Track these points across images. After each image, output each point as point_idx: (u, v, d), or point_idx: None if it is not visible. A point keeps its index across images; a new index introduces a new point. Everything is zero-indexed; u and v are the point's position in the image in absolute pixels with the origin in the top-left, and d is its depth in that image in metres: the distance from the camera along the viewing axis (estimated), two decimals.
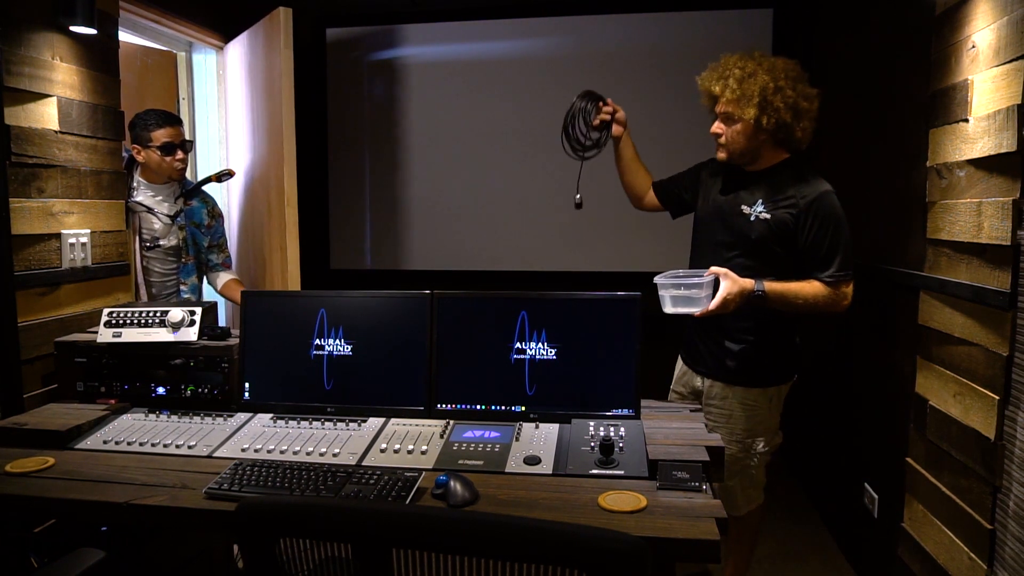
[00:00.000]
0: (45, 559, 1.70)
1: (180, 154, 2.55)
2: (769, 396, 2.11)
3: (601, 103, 2.30)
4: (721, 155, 2.08)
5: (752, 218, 2.02)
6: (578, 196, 2.37)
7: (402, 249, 3.95)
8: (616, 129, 2.31)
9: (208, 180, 2.70)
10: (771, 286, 1.91)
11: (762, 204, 2.02)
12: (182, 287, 2.70)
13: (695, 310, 1.88)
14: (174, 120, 2.57)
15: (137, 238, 2.56)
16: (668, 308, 1.91)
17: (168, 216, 2.60)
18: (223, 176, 2.73)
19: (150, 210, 2.57)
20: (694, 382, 2.24)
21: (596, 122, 2.29)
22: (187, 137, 2.64)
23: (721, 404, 2.13)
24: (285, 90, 2.77)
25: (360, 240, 4.00)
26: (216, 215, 2.78)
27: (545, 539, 0.93)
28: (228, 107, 3.33)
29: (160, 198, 2.59)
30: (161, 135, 2.50)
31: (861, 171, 2.69)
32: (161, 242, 2.62)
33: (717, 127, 2.05)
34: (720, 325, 2.10)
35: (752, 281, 1.89)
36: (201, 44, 3.22)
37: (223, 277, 2.81)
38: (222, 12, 3.27)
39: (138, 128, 2.51)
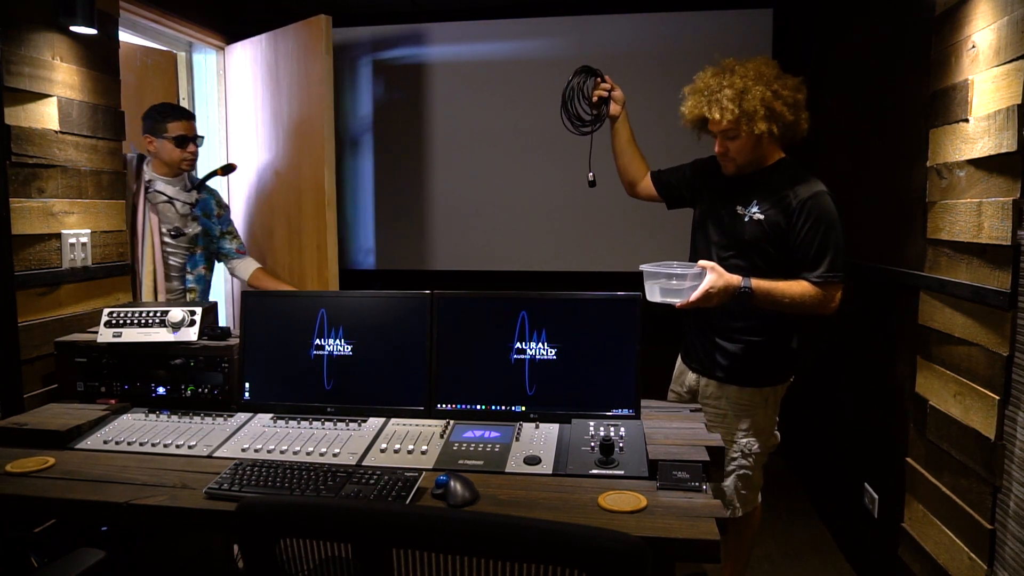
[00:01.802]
0: (45, 559, 1.70)
1: (192, 147, 2.62)
2: (764, 396, 2.11)
3: (598, 79, 2.30)
4: (730, 169, 2.06)
5: (746, 219, 2.02)
6: (591, 174, 2.38)
7: (402, 249, 3.95)
8: (613, 108, 2.30)
9: (214, 174, 2.74)
10: (758, 283, 1.90)
11: (756, 205, 2.01)
12: (188, 276, 2.72)
13: (677, 300, 1.87)
14: (188, 115, 2.65)
15: (154, 230, 2.59)
16: (654, 297, 1.89)
17: (188, 205, 2.66)
18: (227, 169, 2.78)
19: (171, 200, 2.61)
20: (690, 380, 2.24)
21: (594, 98, 2.29)
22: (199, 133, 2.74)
23: (715, 403, 2.13)
24: (325, 96, 2.87)
25: (360, 240, 4.00)
26: (223, 205, 2.86)
27: (545, 539, 0.93)
28: (229, 107, 3.32)
29: (177, 189, 2.64)
30: (176, 127, 2.57)
31: (861, 171, 2.69)
32: (186, 231, 2.68)
33: (721, 146, 2.02)
34: (715, 324, 2.11)
35: (739, 277, 1.88)
36: (201, 44, 3.22)
37: (248, 266, 2.85)
38: (223, 12, 3.27)
39: (153, 119, 2.57)
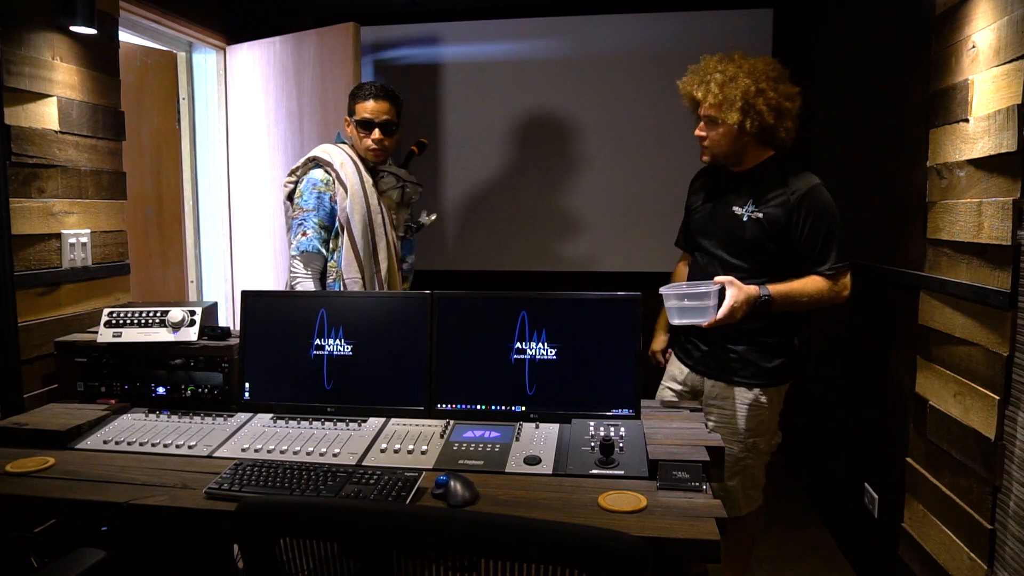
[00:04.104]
0: (45, 559, 1.70)
1: (377, 133, 2.34)
2: (770, 396, 2.11)
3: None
4: (705, 157, 2.11)
5: (744, 218, 2.04)
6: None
7: None
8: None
9: (411, 155, 2.57)
10: (775, 289, 1.92)
11: (752, 203, 2.03)
12: (403, 265, 2.55)
13: (702, 320, 1.88)
14: (382, 95, 2.34)
15: (390, 226, 2.41)
16: (675, 320, 1.91)
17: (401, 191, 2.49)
18: (422, 147, 2.60)
19: (408, 183, 2.45)
20: (693, 381, 2.24)
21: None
22: (393, 118, 2.38)
23: (723, 404, 2.13)
24: None
25: None
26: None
27: (545, 539, 0.93)
28: (232, 106, 3.33)
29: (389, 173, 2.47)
30: (362, 109, 2.32)
31: (861, 171, 2.69)
32: (422, 220, 2.53)
33: (700, 130, 2.07)
34: (721, 326, 2.11)
35: (756, 288, 1.90)
36: (201, 44, 3.22)
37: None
38: (223, 13, 3.27)
39: (351, 97, 2.37)
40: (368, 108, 2.34)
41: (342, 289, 2.33)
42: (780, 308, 1.94)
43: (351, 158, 2.38)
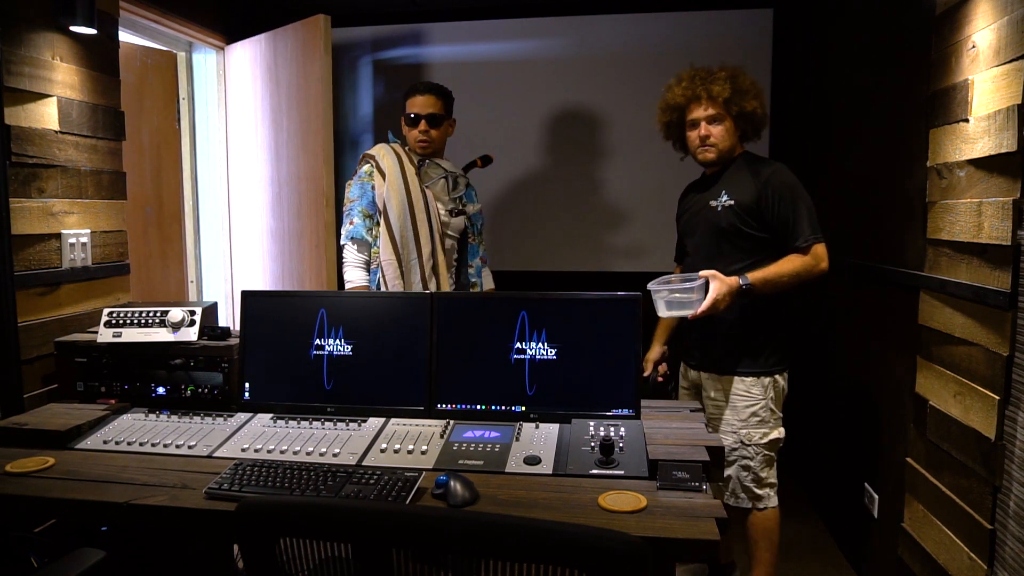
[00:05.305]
0: (45, 559, 1.70)
1: (423, 125, 2.46)
2: (763, 385, 2.15)
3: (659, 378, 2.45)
4: (710, 155, 2.20)
5: (719, 208, 2.16)
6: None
7: None
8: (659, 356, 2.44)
9: (473, 164, 2.65)
10: (754, 276, 2.01)
11: (726, 195, 2.16)
12: (469, 269, 2.61)
13: (688, 312, 1.98)
14: (428, 90, 2.49)
15: (434, 212, 2.45)
16: (663, 312, 2.01)
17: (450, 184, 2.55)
18: (486, 160, 2.67)
19: (456, 176, 2.51)
20: (692, 376, 2.32)
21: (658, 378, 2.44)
22: (439, 111, 2.50)
23: (716, 395, 2.19)
24: (325, 95, 2.91)
25: None
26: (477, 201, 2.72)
27: (545, 539, 0.93)
28: (229, 106, 3.33)
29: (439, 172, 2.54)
30: (411, 105, 2.48)
31: (861, 171, 2.69)
32: (467, 209, 2.60)
33: (706, 129, 2.16)
34: (705, 317, 2.14)
35: (737, 278, 1.99)
36: (201, 44, 3.22)
37: (486, 282, 2.71)
38: (223, 12, 3.27)
39: (403, 97, 2.52)
40: (416, 103, 2.49)
41: (380, 274, 2.42)
42: (763, 292, 2.03)
43: (393, 150, 2.52)
